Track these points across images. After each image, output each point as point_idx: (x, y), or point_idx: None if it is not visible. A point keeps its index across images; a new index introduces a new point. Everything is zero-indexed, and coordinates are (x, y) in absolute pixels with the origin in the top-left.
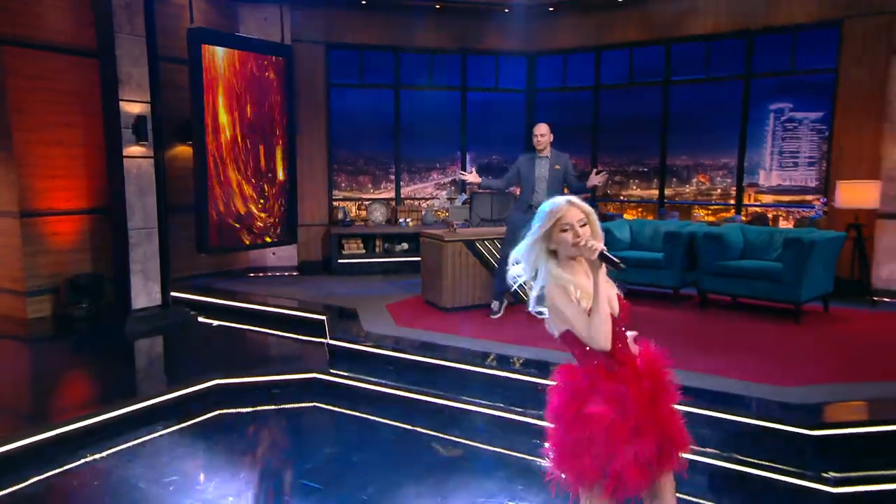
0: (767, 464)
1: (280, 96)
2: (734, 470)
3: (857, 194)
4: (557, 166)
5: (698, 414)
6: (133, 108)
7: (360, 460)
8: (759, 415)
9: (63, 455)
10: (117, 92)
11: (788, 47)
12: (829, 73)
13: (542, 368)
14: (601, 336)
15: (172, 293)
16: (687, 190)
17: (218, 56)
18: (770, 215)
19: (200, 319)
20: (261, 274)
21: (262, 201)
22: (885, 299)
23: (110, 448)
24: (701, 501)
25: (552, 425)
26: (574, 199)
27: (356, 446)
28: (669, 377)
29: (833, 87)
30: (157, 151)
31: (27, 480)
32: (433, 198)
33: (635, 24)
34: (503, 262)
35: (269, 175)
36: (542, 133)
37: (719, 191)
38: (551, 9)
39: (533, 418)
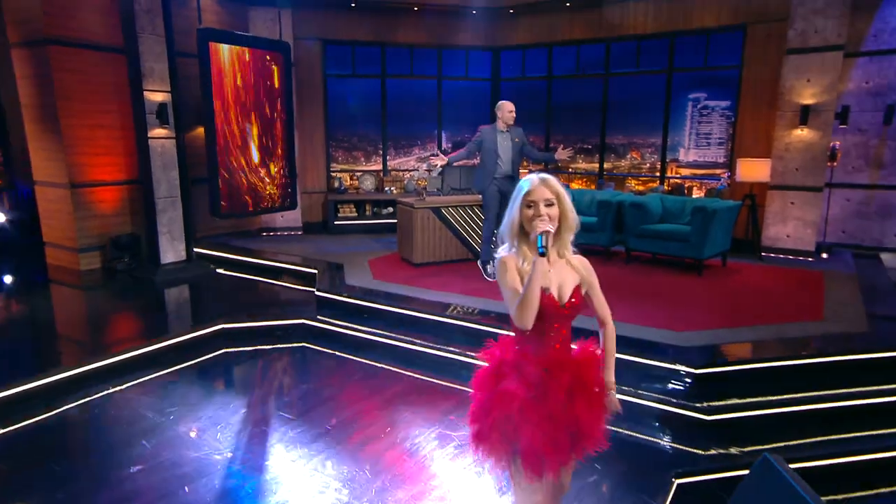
0: (659, 396)
1: (279, 85)
2: (632, 402)
3: (752, 170)
4: (516, 139)
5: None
6: (156, 96)
7: (331, 394)
8: (655, 356)
9: (89, 387)
10: (142, 83)
11: (703, 47)
12: (734, 69)
13: (490, 316)
14: (522, 318)
15: (197, 249)
16: (623, 164)
17: (225, 51)
18: (687, 185)
19: (219, 271)
20: (271, 233)
21: (264, 174)
22: (771, 255)
23: (131, 381)
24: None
25: (473, 396)
26: (550, 179)
27: (330, 383)
28: (595, 378)
29: (738, 80)
30: (178, 133)
31: (52, 412)
32: (414, 169)
33: (581, 25)
34: (485, 231)
35: (271, 152)
36: (512, 110)
37: (648, 165)
38: (511, 11)
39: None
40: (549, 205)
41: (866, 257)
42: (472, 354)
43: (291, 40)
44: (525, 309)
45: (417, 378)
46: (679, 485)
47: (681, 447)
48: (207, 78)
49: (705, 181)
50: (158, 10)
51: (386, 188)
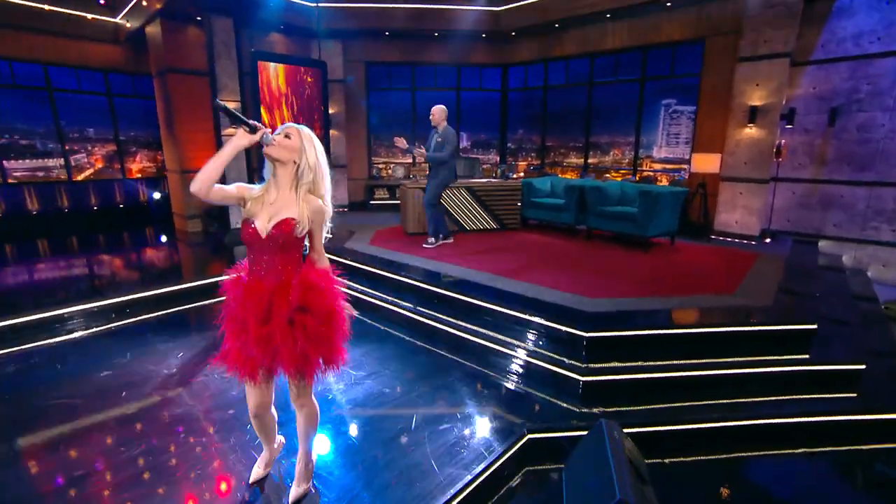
0: (552, 355)
1: (317, 94)
2: (532, 363)
3: (704, 162)
4: (440, 139)
5: (528, 319)
6: (228, 104)
7: None
8: (559, 319)
9: (132, 313)
10: (217, 95)
11: (670, 58)
12: (695, 76)
13: (447, 282)
14: (197, 177)
15: None
16: (607, 159)
17: (272, 68)
18: (657, 177)
19: None
20: None
21: None
22: (721, 237)
23: (160, 311)
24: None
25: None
26: (304, 131)
27: None
28: (300, 311)
29: (698, 87)
30: None
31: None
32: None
33: (570, 44)
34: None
35: None
36: (433, 114)
37: (627, 160)
38: (513, 33)
39: (439, 323)
40: (286, 137)
41: (806, 243)
42: (442, 318)
43: (342, 64)
44: (201, 173)
45: (385, 330)
46: (530, 438)
47: (559, 403)
48: (257, 87)
49: (672, 174)
50: (232, 42)
51: (412, 175)
